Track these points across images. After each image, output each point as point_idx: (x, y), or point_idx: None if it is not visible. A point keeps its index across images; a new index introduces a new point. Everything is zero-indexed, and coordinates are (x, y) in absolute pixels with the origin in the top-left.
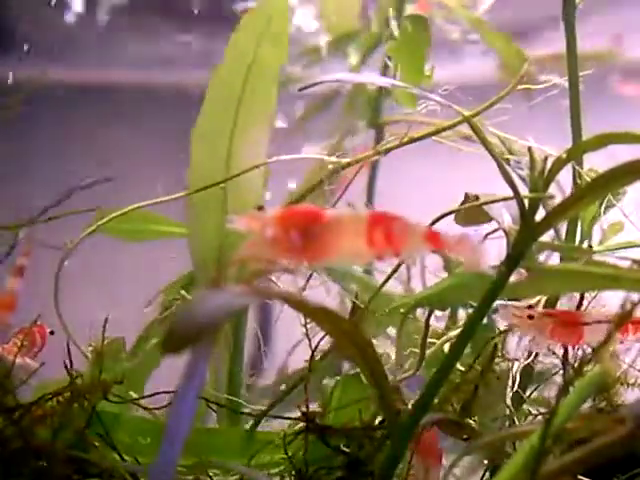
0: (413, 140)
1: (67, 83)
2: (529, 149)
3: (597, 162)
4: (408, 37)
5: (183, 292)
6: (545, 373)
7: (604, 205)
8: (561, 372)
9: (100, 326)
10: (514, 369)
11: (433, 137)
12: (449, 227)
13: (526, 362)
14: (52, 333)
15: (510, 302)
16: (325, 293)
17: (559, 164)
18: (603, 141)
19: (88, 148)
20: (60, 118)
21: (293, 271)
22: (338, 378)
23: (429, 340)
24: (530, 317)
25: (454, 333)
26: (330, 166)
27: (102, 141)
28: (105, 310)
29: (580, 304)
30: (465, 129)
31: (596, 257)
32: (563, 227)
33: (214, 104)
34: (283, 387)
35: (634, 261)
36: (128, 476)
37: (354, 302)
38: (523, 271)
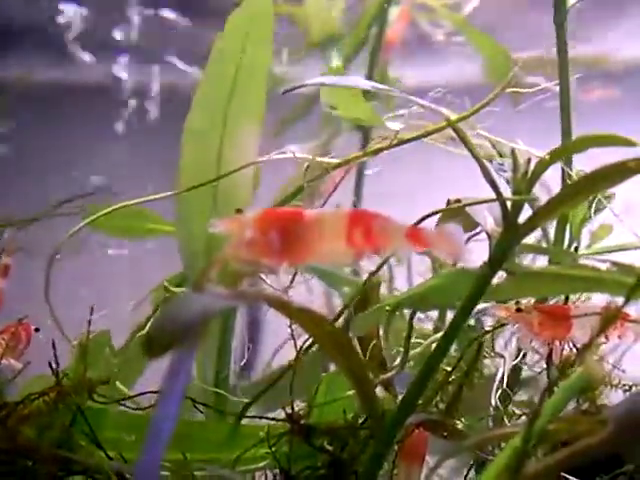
0: (402, 142)
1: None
2: (512, 151)
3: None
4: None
5: (168, 286)
6: (530, 378)
7: (594, 208)
8: (545, 372)
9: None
10: (500, 369)
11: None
12: None
13: (513, 362)
14: (37, 330)
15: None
16: (309, 294)
17: (542, 166)
18: (587, 143)
19: (79, 148)
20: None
21: (275, 272)
22: (323, 375)
23: (417, 340)
24: (518, 310)
25: (440, 334)
26: (317, 167)
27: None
28: (94, 309)
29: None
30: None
31: (583, 260)
32: (552, 229)
33: (204, 103)
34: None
35: (614, 263)
36: (113, 474)
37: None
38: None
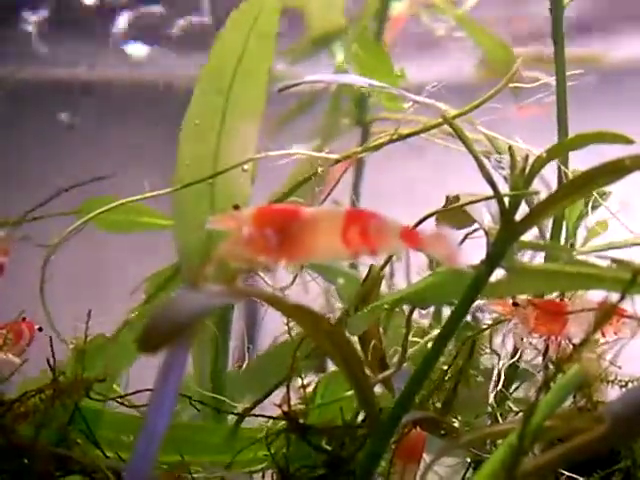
0: (402, 137)
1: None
2: (509, 148)
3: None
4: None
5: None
6: (527, 371)
7: (590, 205)
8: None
9: (85, 323)
10: (497, 366)
11: (421, 135)
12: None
13: (511, 360)
14: (40, 330)
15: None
16: (307, 291)
17: (540, 163)
18: (584, 140)
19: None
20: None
21: (272, 269)
22: (322, 375)
23: (415, 338)
24: (515, 304)
25: (437, 332)
26: (318, 164)
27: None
28: (91, 307)
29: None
30: None
31: (579, 257)
32: (548, 227)
33: (202, 100)
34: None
35: (613, 260)
36: (109, 473)
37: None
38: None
